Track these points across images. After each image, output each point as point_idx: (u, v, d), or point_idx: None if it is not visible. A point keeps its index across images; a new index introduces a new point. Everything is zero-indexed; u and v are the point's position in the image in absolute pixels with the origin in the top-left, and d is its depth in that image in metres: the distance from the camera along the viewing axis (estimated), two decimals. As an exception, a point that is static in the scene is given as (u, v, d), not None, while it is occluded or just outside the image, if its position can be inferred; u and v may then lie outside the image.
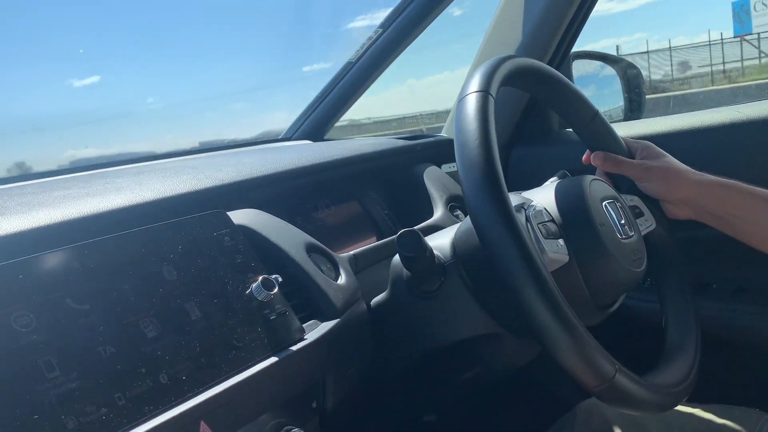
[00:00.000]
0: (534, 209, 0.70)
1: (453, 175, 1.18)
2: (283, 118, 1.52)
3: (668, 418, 0.88)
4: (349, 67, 1.33)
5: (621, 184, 0.87)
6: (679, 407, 0.90)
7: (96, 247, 0.58)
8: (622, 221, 0.76)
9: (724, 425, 0.86)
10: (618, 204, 0.77)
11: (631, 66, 1.36)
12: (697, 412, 0.90)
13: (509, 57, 0.73)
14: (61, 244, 0.57)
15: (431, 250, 0.74)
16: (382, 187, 1.11)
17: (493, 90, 0.68)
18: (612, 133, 0.87)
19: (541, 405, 1.31)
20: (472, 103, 0.66)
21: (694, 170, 0.85)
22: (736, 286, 1.13)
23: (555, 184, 0.79)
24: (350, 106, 1.40)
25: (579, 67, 1.39)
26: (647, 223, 0.84)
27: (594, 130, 0.85)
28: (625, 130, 1.15)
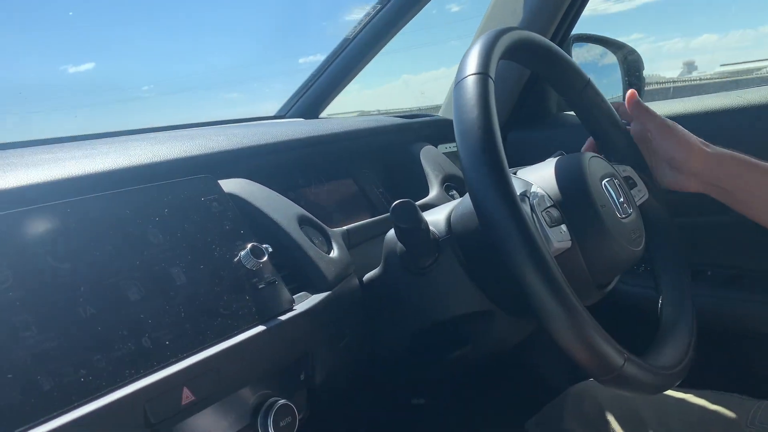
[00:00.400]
0: (536, 196, 0.69)
1: (450, 155, 1.16)
2: (278, 109, 1.49)
3: (661, 403, 0.88)
4: (345, 43, 1.31)
5: (611, 154, 0.86)
6: (673, 392, 0.89)
7: (80, 206, 0.56)
8: (621, 199, 0.74)
9: (716, 411, 0.85)
10: (616, 181, 0.76)
11: (632, 51, 1.35)
12: (690, 397, 0.89)
13: (504, 31, 0.71)
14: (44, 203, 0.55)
15: (426, 224, 0.72)
16: (377, 164, 1.09)
17: (492, 70, 0.65)
18: (604, 102, 0.85)
19: (531, 389, 1.30)
20: (471, 87, 0.63)
21: (705, 141, 0.83)
22: (730, 273, 1.12)
23: (554, 161, 0.77)
24: (346, 85, 1.37)
25: (579, 54, 1.38)
26: (640, 194, 0.83)
27: (586, 98, 0.84)
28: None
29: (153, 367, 0.52)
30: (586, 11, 1.28)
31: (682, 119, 1.10)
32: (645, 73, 1.38)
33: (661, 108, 1.14)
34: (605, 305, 0.77)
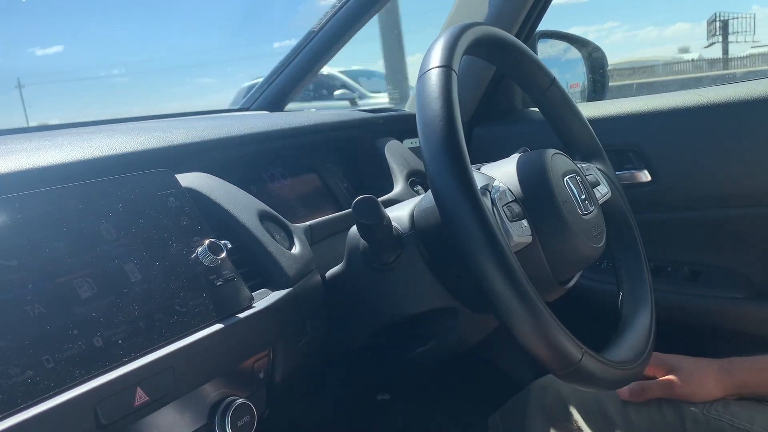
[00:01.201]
0: (498, 190, 0.69)
1: (415, 150, 1.16)
2: (243, 101, 1.46)
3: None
4: (311, 36, 1.29)
5: (576, 152, 0.87)
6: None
7: (28, 201, 0.54)
8: (583, 196, 0.75)
9: (674, 402, 0.86)
10: (578, 178, 0.76)
11: (597, 48, 1.36)
12: (650, 390, 0.90)
13: (469, 26, 0.71)
14: (-10, 198, 0.52)
15: (389, 219, 0.72)
16: (341, 159, 1.08)
17: (455, 64, 0.65)
18: (568, 101, 0.86)
19: (495, 385, 1.31)
20: (434, 79, 0.63)
21: (723, 365, 0.86)
22: (689, 269, 1.14)
23: (517, 157, 0.77)
24: (311, 78, 1.36)
25: (543, 50, 1.38)
26: (603, 190, 0.83)
27: (551, 96, 0.84)
28: (588, 110, 1.15)
29: (105, 367, 0.50)
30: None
31: (641, 117, 1.12)
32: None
33: (622, 106, 1.16)
34: (567, 300, 0.78)
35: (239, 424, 0.60)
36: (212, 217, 0.69)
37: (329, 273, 0.81)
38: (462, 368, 1.30)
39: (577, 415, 0.90)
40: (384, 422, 1.26)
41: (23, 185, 0.59)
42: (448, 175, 0.58)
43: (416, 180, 1.08)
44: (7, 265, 0.49)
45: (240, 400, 0.61)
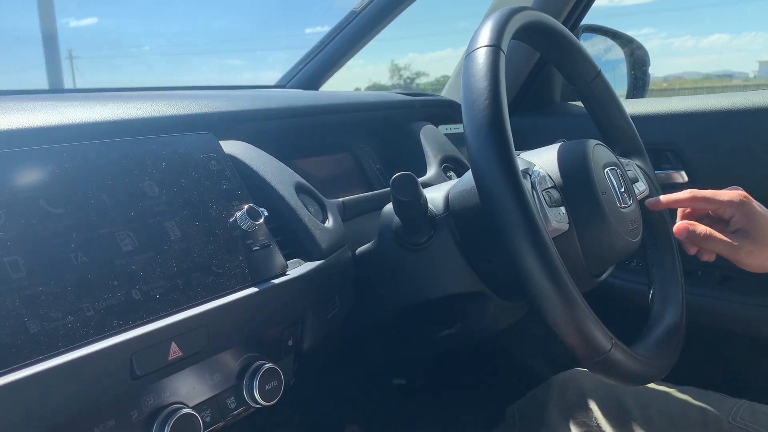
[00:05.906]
0: (538, 175, 0.68)
1: (450, 136, 1.16)
2: (279, 79, 1.47)
3: (644, 396, 0.88)
4: (352, 17, 1.29)
5: (616, 147, 0.86)
6: (655, 386, 0.89)
7: (76, 152, 0.54)
8: (622, 189, 0.74)
9: (698, 407, 0.85)
10: (618, 171, 0.75)
11: (640, 46, 1.34)
12: (673, 392, 0.89)
13: (519, 9, 0.70)
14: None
15: (426, 199, 0.72)
16: (376, 140, 1.08)
17: (504, 44, 0.65)
18: (612, 95, 0.85)
19: (513, 377, 1.31)
20: (482, 58, 0.62)
21: None
22: (720, 274, 1.12)
23: (557, 146, 0.76)
24: (349, 59, 1.36)
25: (585, 45, 1.37)
26: (642, 187, 0.83)
27: (595, 89, 0.84)
28: (628, 107, 1.13)
29: (142, 319, 0.51)
30: (602, 1, 1.27)
31: (682, 117, 1.10)
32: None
33: (662, 105, 1.14)
34: (596, 297, 0.77)
35: (267, 388, 0.60)
36: (250, 185, 0.69)
37: (359, 250, 0.81)
38: (481, 358, 1.30)
39: (597, 411, 0.89)
40: (398, 406, 1.27)
41: (69, 138, 0.60)
42: (490, 153, 0.58)
43: (449, 165, 1.07)
44: (53, 212, 0.50)
45: (268, 365, 0.61)
